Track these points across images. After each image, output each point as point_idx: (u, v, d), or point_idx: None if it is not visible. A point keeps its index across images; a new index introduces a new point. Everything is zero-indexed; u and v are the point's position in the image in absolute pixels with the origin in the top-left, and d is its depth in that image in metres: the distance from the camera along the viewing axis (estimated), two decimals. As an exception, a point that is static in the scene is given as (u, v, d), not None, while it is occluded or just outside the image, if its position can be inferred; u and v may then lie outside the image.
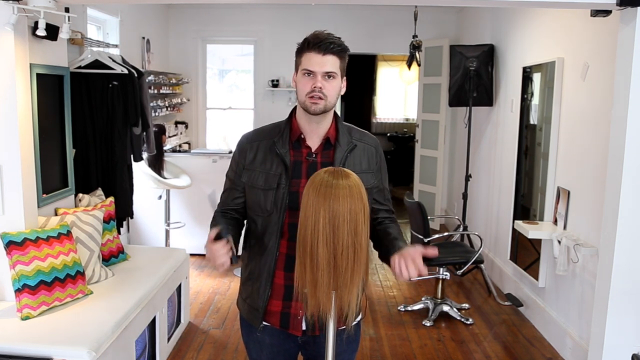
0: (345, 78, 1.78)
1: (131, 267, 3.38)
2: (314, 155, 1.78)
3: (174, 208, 5.31)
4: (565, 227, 3.61)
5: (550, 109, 3.85)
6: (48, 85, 3.02)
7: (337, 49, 1.69)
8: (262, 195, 1.76)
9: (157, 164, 4.91)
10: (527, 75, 4.40)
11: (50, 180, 3.06)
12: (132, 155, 3.94)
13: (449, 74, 5.61)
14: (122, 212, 3.84)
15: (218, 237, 1.60)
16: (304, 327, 1.80)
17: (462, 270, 4.44)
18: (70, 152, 3.27)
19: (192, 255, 5.15)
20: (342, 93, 1.80)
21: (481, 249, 4.37)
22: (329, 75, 1.69)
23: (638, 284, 2.49)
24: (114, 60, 3.82)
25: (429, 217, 4.08)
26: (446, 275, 4.24)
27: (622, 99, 2.45)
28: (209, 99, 7.42)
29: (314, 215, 1.46)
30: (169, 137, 5.88)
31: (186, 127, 6.90)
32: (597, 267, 2.70)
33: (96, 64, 3.74)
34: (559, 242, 3.54)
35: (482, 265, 4.69)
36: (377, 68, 10.15)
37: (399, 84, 10.16)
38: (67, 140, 3.23)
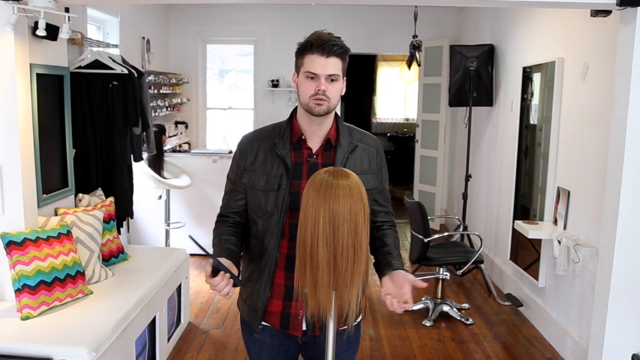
0: (345, 78, 1.77)
1: (131, 267, 3.38)
2: (314, 157, 1.78)
3: (174, 208, 5.32)
4: (565, 227, 3.61)
5: (550, 109, 3.85)
6: (48, 85, 3.02)
7: (339, 51, 1.68)
8: (263, 197, 1.76)
9: (157, 164, 4.91)
10: (527, 75, 4.40)
11: (50, 180, 3.06)
12: (132, 155, 3.94)
13: (449, 74, 5.61)
14: (122, 212, 3.84)
15: (215, 270, 1.59)
16: (304, 328, 1.79)
17: (462, 270, 4.44)
18: (70, 152, 3.27)
19: (192, 255, 5.15)
20: (342, 93, 1.79)
21: (481, 249, 4.37)
22: (332, 77, 1.69)
23: (638, 284, 2.49)
24: (114, 60, 3.81)
25: (429, 217, 4.08)
26: (446, 275, 4.24)
27: (622, 99, 2.45)
28: (209, 99, 7.42)
29: (314, 215, 1.46)
30: (169, 137, 5.88)
31: (186, 127, 6.90)
32: (597, 267, 2.70)
33: (96, 64, 3.74)
34: (559, 242, 3.54)
35: (482, 265, 4.69)
36: (377, 68, 10.15)
37: (399, 84, 10.16)
38: (67, 140, 3.23)
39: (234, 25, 7.02)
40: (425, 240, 3.99)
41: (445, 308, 4.22)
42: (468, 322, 4.12)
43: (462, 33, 6.80)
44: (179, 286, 3.75)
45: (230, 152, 5.48)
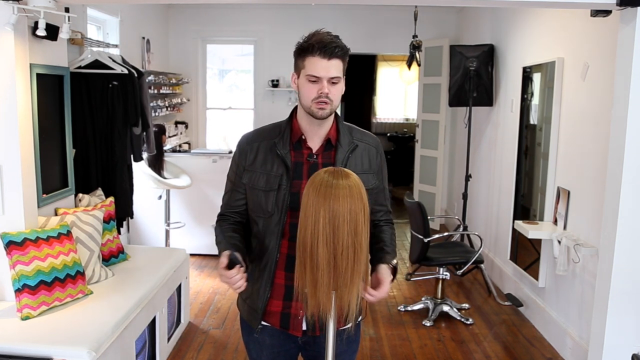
0: (344, 78, 1.77)
1: (131, 267, 3.38)
2: (314, 156, 1.77)
3: (174, 208, 5.32)
4: (565, 227, 3.61)
5: (550, 109, 3.85)
6: (48, 85, 3.02)
7: (341, 53, 1.66)
8: (263, 197, 1.75)
9: (157, 164, 4.91)
10: (527, 75, 4.40)
11: (50, 180, 3.06)
12: (132, 155, 3.94)
13: (449, 74, 5.61)
14: (122, 212, 3.84)
15: (231, 263, 1.61)
16: (304, 328, 1.79)
17: (462, 270, 4.44)
18: (70, 152, 3.27)
19: (192, 255, 5.16)
20: (342, 93, 1.79)
21: (481, 249, 4.37)
22: (333, 80, 1.67)
23: (638, 284, 2.50)
24: (114, 60, 3.82)
25: (429, 217, 4.08)
26: (446, 275, 4.24)
27: (622, 99, 2.45)
28: (209, 99, 7.43)
29: (314, 215, 1.46)
30: (169, 137, 5.88)
31: (186, 127, 6.91)
32: (597, 267, 2.70)
33: (96, 64, 3.74)
34: (559, 242, 3.54)
35: (482, 265, 4.69)
36: (377, 68, 10.15)
37: (399, 84, 10.16)
38: (67, 140, 3.23)
39: (234, 25, 7.02)
40: (425, 240, 3.99)
41: (445, 308, 4.22)
42: (468, 322, 4.12)
43: (462, 33, 6.80)
44: (179, 286, 3.75)
45: (230, 152, 5.48)
